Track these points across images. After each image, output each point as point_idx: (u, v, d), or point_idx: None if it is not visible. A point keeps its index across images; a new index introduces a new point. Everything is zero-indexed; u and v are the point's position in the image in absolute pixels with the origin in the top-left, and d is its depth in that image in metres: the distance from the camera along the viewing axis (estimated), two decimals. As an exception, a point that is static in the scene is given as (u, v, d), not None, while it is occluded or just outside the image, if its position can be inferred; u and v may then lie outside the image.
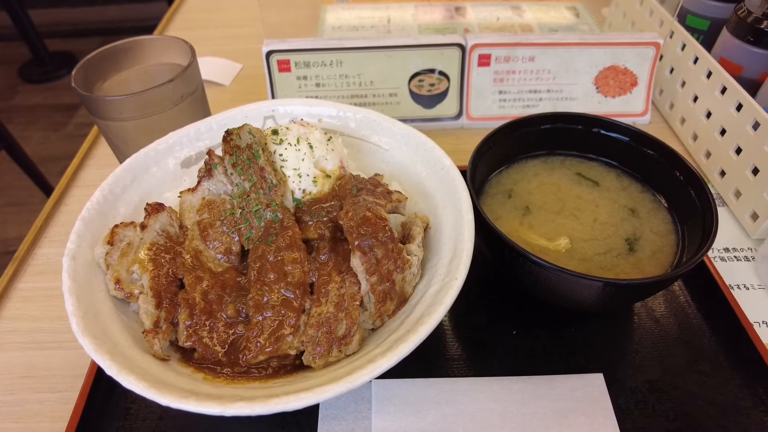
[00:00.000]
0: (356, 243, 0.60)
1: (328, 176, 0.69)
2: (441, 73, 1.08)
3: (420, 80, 1.08)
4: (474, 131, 1.12)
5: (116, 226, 0.65)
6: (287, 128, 0.71)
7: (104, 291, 0.62)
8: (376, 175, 0.72)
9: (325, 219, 0.65)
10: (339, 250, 0.64)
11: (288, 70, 1.06)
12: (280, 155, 0.69)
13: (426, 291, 0.61)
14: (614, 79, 1.12)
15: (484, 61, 1.07)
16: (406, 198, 0.68)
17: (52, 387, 0.70)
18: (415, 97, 1.10)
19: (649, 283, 0.63)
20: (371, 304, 0.61)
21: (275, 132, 0.70)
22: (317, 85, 1.08)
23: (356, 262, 0.60)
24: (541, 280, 0.64)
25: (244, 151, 0.66)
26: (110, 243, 0.63)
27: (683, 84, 1.09)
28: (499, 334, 0.74)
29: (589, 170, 0.85)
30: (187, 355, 0.60)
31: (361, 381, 0.49)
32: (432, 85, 1.09)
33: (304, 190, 0.68)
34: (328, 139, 0.72)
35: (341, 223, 0.62)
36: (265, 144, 0.69)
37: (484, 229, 0.66)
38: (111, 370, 0.50)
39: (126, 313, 0.62)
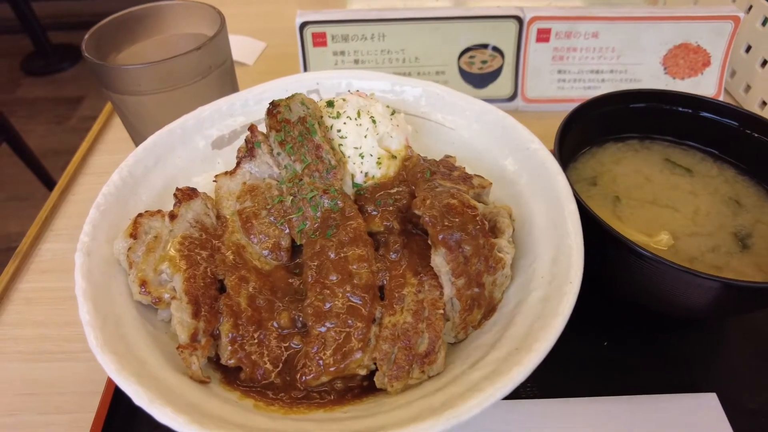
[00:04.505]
0: (440, 237, 0.48)
1: (394, 157, 0.58)
2: (495, 48, 0.97)
3: (471, 56, 0.98)
4: (530, 114, 1.01)
5: (140, 215, 0.54)
6: (344, 99, 0.59)
7: (126, 295, 0.52)
8: (448, 156, 0.60)
9: (391, 208, 0.54)
10: (412, 245, 0.53)
11: (324, 44, 0.94)
12: (338, 131, 0.57)
13: (524, 298, 0.50)
14: (684, 59, 1.01)
15: (543, 36, 0.96)
16: (491, 183, 0.57)
17: (59, 407, 0.61)
18: (465, 75, 0.99)
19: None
20: (455, 313, 0.50)
21: (330, 104, 0.59)
22: (356, 61, 0.97)
23: (440, 260, 0.49)
24: (646, 278, 0.56)
25: (295, 126, 0.55)
26: (133, 236, 0.52)
27: (764, 63, 0.98)
28: (587, 346, 0.65)
29: (679, 156, 0.74)
30: (231, 376, 0.49)
31: (468, 415, 0.38)
32: (484, 62, 0.98)
33: (366, 174, 0.57)
34: (392, 113, 0.60)
35: (418, 212, 0.51)
36: (321, 117, 0.57)
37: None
38: (140, 399, 0.40)
39: (153, 323, 0.52)
